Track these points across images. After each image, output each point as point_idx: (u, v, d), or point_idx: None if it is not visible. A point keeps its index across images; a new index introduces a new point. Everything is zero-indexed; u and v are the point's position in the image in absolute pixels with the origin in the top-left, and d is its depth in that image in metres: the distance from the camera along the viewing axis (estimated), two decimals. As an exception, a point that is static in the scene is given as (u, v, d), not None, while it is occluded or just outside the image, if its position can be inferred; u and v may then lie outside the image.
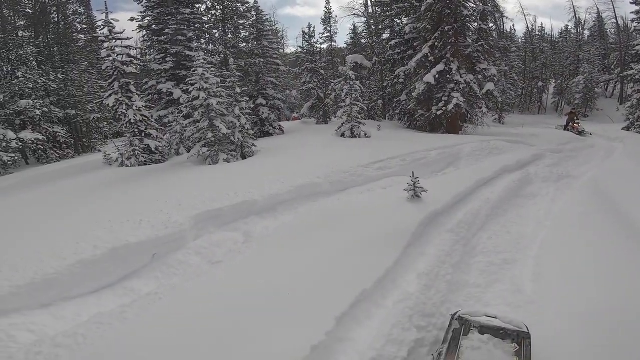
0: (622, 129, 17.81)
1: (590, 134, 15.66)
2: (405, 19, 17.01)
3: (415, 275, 3.91)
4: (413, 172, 5.32)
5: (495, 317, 2.79)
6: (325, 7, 19.60)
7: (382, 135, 12.35)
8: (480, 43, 13.80)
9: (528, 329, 2.63)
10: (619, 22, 32.22)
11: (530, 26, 36.51)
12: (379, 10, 20.24)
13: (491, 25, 16.10)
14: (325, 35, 20.29)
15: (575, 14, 35.29)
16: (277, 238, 4.70)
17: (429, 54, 13.19)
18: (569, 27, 36.27)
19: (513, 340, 2.58)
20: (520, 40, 35.46)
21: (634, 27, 21.30)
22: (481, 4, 14.56)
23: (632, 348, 2.46)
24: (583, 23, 35.91)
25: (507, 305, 3.33)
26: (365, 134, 11.96)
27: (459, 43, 12.97)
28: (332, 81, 16.68)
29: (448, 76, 12.87)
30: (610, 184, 5.94)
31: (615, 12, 32.55)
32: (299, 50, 20.03)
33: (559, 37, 36.07)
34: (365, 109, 15.20)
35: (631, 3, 19.04)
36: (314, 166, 7.43)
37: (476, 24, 13.89)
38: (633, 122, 17.83)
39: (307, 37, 17.80)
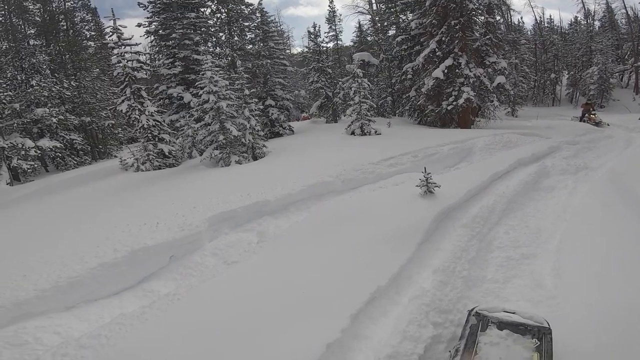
0: (640, 119, 17.28)
1: (608, 125, 15.25)
2: (411, 14, 16.89)
3: (430, 271, 3.87)
4: (425, 168, 5.26)
5: (514, 313, 2.75)
6: (329, 5, 19.64)
7: (393, 131, 12.26)
8: (488, 36, 13.58)
9: (549, 324, 2.58)
10: (629, 12, 31.39)
11: (538, 18, 35.85)
12: (383, 7, 20.15)
13: (498, 18, 15.83)
14: (331, 34, 20.27)
15: (583, 5, 34.50)
16: (290, 237, 4.72)
17: (436, 49, 13.07)
18: (579, 18, 35.45)
19: (533, 335, 2.53)
20: (529, 32, 34.85)
21: None
22: None
23: None
24: (592, 14, 35.10)
25: (526, 301, 3.27)
26: (376, 131, 11.90)
27: (466, 37, 12.81)
28: (340, 80, 16.65)
29: (457, 70, 12.72)
30: (631, 175, 5.76)
31: (624, 2, 31.71)
32: (305, 50, 20.05)
33: (569, 28, 35.29)
34: (375, 106, 15.12)
35: None
36: (325, 165, 7.44)
37: (483, 17, 13.68)
38: (650, 110, 17.30)
39: (312, 36, 17.81)
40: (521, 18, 38.14)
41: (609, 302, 2.88)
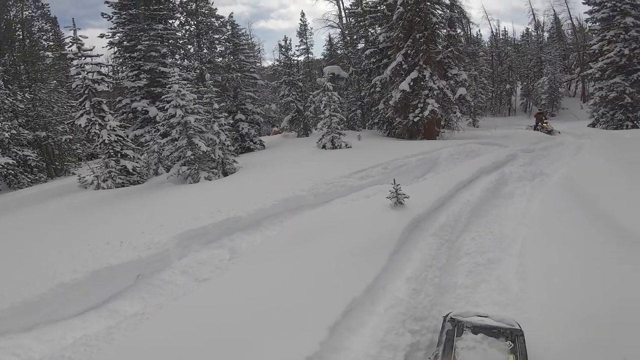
0: (588, 126, 18.72)
1: (559, 132, 16.37)
2: (379, 28, 17.43)
3: (403, 280, 3.92)
4: (394, 179, 5.41)
5: (486, 316, 2.82)
6: (301, 19, 19.93)
7: (363, 144, 12.52)
8: (450, 49, 14.27)
9: (520, 326, 2.67)
10: (574, 23, 33.90)
11: (494, 30, 38.13)
12: (352, 20, 20.64)
13: (459, 31, 16.75)
14: (302, 47, 20.53)
15: (534, 17, 36.99)
16: (263, 253, 4.65)
17: (402, 62, 13.56)
18: (530, 30, 38.01)
19: (507, 338, 2.59)
20: (486, 44, 36.76)
21: (589, 27, 22.15)
22: (448, 11, 15.14)
23: (617, 341, 2.53)
24: (542, 25, 37.67)
25: (495, 304, 3.38)
26: (346, 145, 12.10)
27: (430, 50, 13.38)
28: (311, 93, 16.85)
29: (422, 83, 13.22)
30: (583, 179, 6.20)
31: (569, 13, 34.24)
32: (276, 63, 20.15)
33: (521, 40, 37.75)
34: (345, 119, 15.39)
35: (583, 3, 19.89)
36: (297, 179, 7.46)
37: (445, 31, 14.37)
38: (597, 118, 18.75)
39: (283, 50, 17.97)
40: (479, 31, 40.37)
41: (570, 303, 3.04)
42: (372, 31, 18.24)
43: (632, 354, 2.40)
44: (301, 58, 21.02)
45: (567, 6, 33.96)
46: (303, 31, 20.06)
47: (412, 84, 13.25)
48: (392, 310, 3.39)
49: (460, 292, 3.75)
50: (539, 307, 3.16)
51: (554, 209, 5.23)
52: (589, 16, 19.82)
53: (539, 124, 18.12)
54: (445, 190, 6.25)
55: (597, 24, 19.16)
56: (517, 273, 3.84)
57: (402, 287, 3.79)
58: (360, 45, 19.43)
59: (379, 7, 17.19)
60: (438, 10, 14.23)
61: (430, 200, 5.68)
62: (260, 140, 15.72)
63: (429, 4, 13.36)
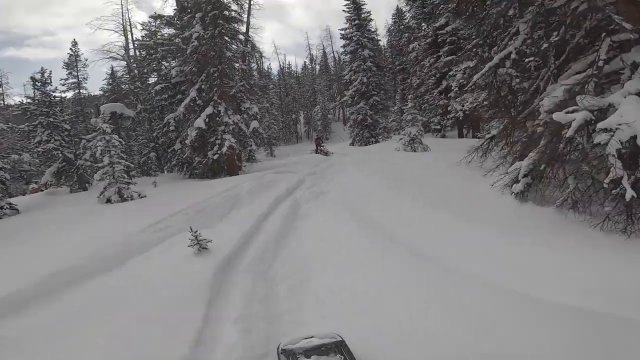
0: (350, 145, 24.05)
1: (332, 153, 20.28)
2: (173, 62, 16.68)
3: (230, 323, 3.70)
4: (191, 227, 5.21)
5: (312, 337, 2.91)
6: (71, 48, 16.56)
7: (160, 191, 11.42)
8: (242, 83, 15.11)
9: (341, 337, 2.88)
10: (335, 56, 43.22)
11: (281, 64, 43.70)
12: (144, 53, 18.99)
13: (253, 65, 18.21)
14: (71, 81, 17.03)
15: (309, 51, 44.82)
16: (42, 344, 3.40)
17: (196, 97, 13.41)
18: (306, 63, 45.77)
19: (335, 352, 2.73)
20: (275, 77, 41.67)
21: (343, 59, 28.79)
22: (242, 46, 16.22)
23: (415, 334, 2.99)
24: (315, 59, 46.14)
25: (318, 320, 3.58)
26: (139, 195, 10.67)
27: (224, 84, 13.76)
28: (84, 137, 13.96)
29: (217, 118, 13.42)
30: (350, 195, 7.84)
31: (332, 47, 43.49)
32: (27, 101, 15.77)
33: (301, 72, 44.98)
34: (132, 165, 13.60)
35: (340, 38, 25.62)
36: (72, 246, 5.92)
37: (238, 65, 15.15)
38: (354, 138, 24.43)
39: (38, 84, 14.19)
40: (269, 64, 45.17)
41: (372, 306, 3.55)
42: (166, 64, 17.30)
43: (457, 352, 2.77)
44: (69, 94, 17.43)
45: (331, 41, 43.18)
46: (73, 62, 16.80)
47: (207, 120, 13.24)
48: (230, 357, 3.14)
49: (287, 318, 3.80)
50: (348, 315, 3.53)
51: (336, 226, 6.20)
52: (343, 49, 25.67)
53: (318, 147, 21.91)
54: (248, 225, 6.44)
55: (348, 56, 25.17)
56: (326, 288, 4.21)
57: (231, 331, 3.56)
58: (152, 80, 17.96)
59: (174, 40, 16.55)
60: (233, 46, 14.97)
61: (235, 237, 5.72)
62: (10, 204, 11.60)
63: (227, 38, 13.90)
